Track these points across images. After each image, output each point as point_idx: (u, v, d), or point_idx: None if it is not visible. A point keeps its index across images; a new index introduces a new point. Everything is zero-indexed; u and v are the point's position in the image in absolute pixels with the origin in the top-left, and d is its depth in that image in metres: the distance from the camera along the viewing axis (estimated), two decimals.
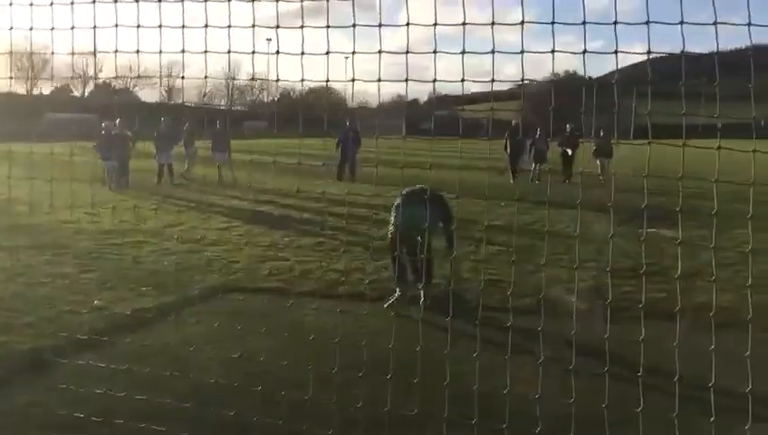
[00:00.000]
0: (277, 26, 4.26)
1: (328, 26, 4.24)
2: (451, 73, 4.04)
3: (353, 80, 4.34)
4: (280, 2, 4.41)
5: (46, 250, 8.93)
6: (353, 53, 4.28)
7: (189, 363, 5.02)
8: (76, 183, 10.90)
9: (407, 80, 4.12)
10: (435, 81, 4.14)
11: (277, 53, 4.32)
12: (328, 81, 4.40)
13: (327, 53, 4.28)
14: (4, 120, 33.14)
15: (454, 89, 27.62)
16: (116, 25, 4.47)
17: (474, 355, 3.90)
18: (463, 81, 4.01)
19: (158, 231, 10.88)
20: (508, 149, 22.40)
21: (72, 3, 4.48)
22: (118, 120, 18.86)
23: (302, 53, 4.26)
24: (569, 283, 6.67)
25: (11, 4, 4.31)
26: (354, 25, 4.14)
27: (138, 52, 4.47)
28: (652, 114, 4.39)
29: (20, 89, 64.25)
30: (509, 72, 4.27)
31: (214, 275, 8.07)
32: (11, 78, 4.97)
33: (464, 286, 7.59)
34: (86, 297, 6.82)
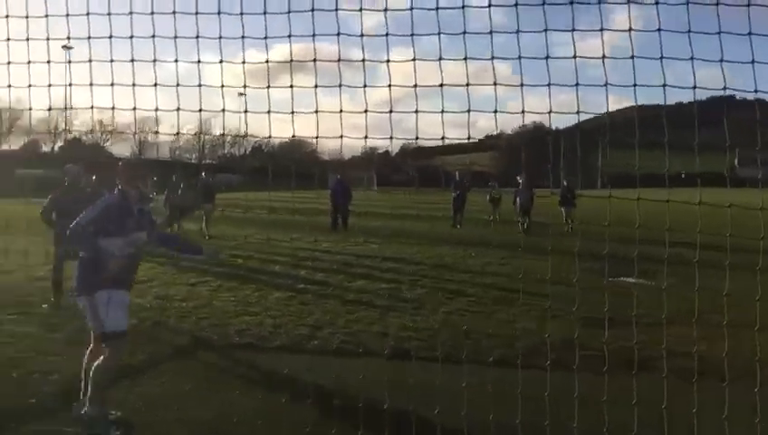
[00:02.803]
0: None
1: (316, 86, 4.35)
2: (427, 125, 4.18)
3: (341, 136, 4.42)
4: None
5: (12, 309, 8.73)
6: (341, 111, 4.34)
7: (162, 423, 4.93)
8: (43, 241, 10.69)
9: (391, 137, 4.27)
10: (417, 138, 4.29)
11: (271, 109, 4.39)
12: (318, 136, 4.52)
13: (316, 111, 4.39)
14: None
15: (426, 140, 28.33)
16: (91, 84, 4.54)
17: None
18: (443, 138, 4.17)
19: None
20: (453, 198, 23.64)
21: (49, 62, 4.55)
22: (94, 177, 18.64)
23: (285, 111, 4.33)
24: (541, 333, 6.72)
25: None
26: (341, 85, 4.26)
27: (113, 108, 4.54)
28: (619, 164, 4.59)
29: None
30: (482, 125, 4.42)
31: (184, 333, 7.95)
32: None
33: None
34: (52, 358, 6.66)
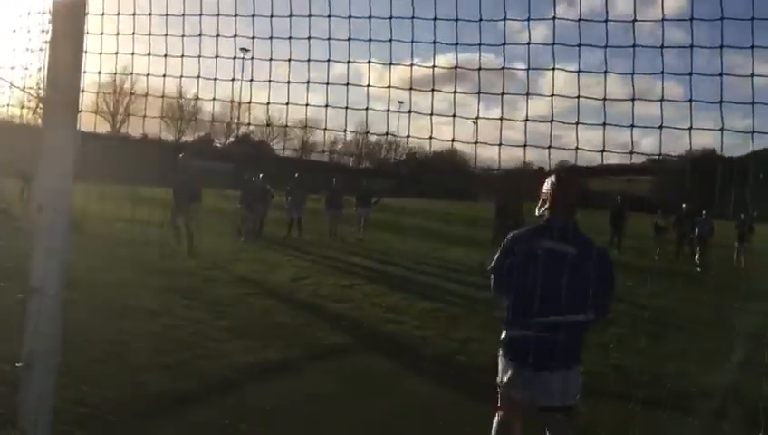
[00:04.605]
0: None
1: (480, 92, 4.27)
2: (587, 144, 3.96)
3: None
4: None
5: (184, 294, 9.48)
6: (501, 118, 4.25)
7: (311, 421, 5.15)
8: (214, 232, 11.43)
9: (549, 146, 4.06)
10: (577, 148, 4.07)
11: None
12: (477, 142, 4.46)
13: (477, 117, 4.29)
14: (152, 165, 35.62)
15: (584, 161, 27.42)
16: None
17: None
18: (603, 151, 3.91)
19: (284, 284, 11.32)
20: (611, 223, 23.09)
21: (217, 56, 4.73)
22: (261, 175, 19.79)
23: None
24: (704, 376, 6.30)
25: (165, 55, 4.57)
26: (503, 93, 4.15)
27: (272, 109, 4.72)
28: None
29: (168, 136, 69.43)
30: (645, 146, 4.16)
31: (335, 333, 8.26)
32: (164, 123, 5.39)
33: None
34: (217, 344, 7.17)
